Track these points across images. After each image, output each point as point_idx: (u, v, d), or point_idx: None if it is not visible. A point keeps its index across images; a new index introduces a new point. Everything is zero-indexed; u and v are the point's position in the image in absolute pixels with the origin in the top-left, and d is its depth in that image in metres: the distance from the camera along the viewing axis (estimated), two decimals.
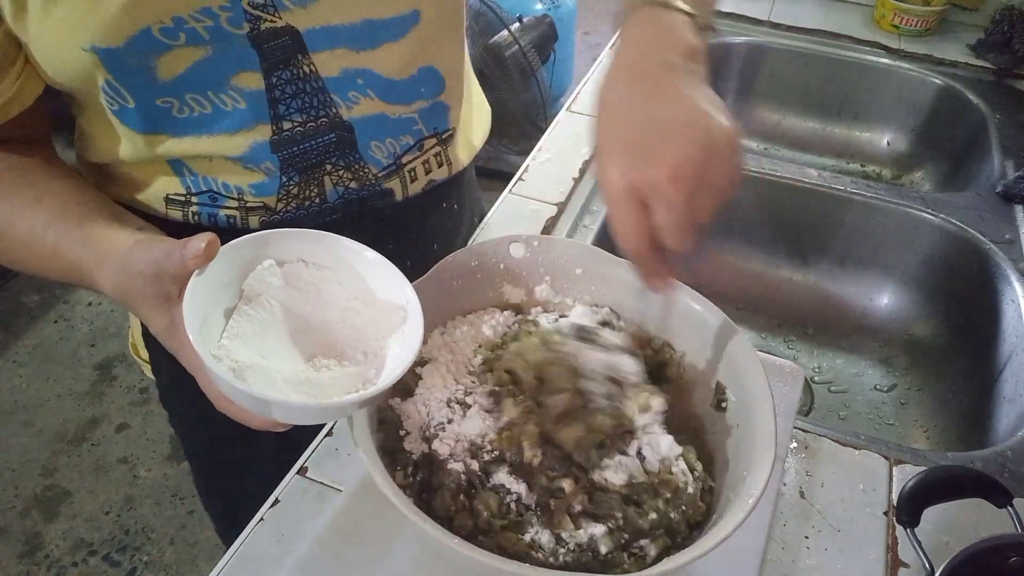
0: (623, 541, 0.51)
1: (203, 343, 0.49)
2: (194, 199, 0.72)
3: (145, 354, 0.91)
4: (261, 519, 0.64)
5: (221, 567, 0.61)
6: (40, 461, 1.93)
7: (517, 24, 2.29)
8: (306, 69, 0.67)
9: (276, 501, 0.66)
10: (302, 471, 0.68)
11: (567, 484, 0.52)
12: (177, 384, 0.89)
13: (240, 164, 0.69)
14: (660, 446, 0.56)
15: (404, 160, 0.77)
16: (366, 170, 0.75)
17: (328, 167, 0.73)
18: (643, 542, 0.51)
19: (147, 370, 0.94)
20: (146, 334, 0.89)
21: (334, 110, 0.70)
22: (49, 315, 2.31)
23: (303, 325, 0.55)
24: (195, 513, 1.83)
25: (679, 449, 0.56)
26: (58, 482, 1.89)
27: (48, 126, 0.71)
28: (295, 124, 0.69)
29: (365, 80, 0.70)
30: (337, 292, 0.57)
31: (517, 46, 2.18)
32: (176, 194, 0.71)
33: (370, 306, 0.57)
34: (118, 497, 1.86)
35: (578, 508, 0.52)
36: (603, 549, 0.50)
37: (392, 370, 0.53)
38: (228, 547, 0.64)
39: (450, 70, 0.76)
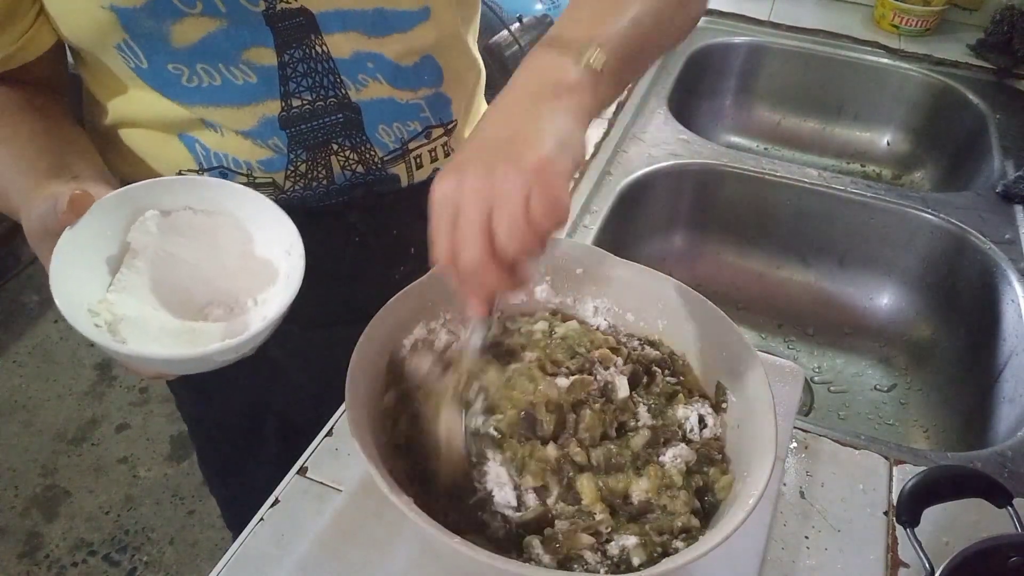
0: (655, 554, 0.50)
1: (70, 303, 0.49)
2: (205, 175, 0.72)
3: None
4: (261, 519, 0.64)
5: (221, 567, 0.61)
6: (40, 461, 1.93)
7: (517, 24, 2.28)
8: (319, 49, 0.68)
9: (276, 501, 0.66)
10: (302, 471, 0.68)
11: (599, 508, 0.52)
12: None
13: (249, 139, 0.70)
14: (710, 421, 0.58)
15: (411, 147, 0.78)
16: (372, 153, 0.76)
17: (335, 146, 0.74)
18: (677, 543, 0.51)
19: None
20: None
21: (343, 91, 0.72)
22: (49, 315, 2.31)
23: (192, 273, 0.55)
24: (195, 513, 1.83)
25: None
26: (58, 482, 1.89)
27: (64, 73, 0.72)
28: (304, 102, 0.70)
29: (375, 64, 0.71)
30: (232, 237, 0.57)
31: (517, 46, 2.18)
32: (188, 170, 0.72)
33: (258, 251, 0.58)
34: (118, 497, 1.86)
35: (607, 530, 0.52)
36: (635, 561, 0.50)
37: (258, 325, 0.53)
38: (231, 531, 0.64)
39: (449, 63, 0.77)
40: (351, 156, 0.75)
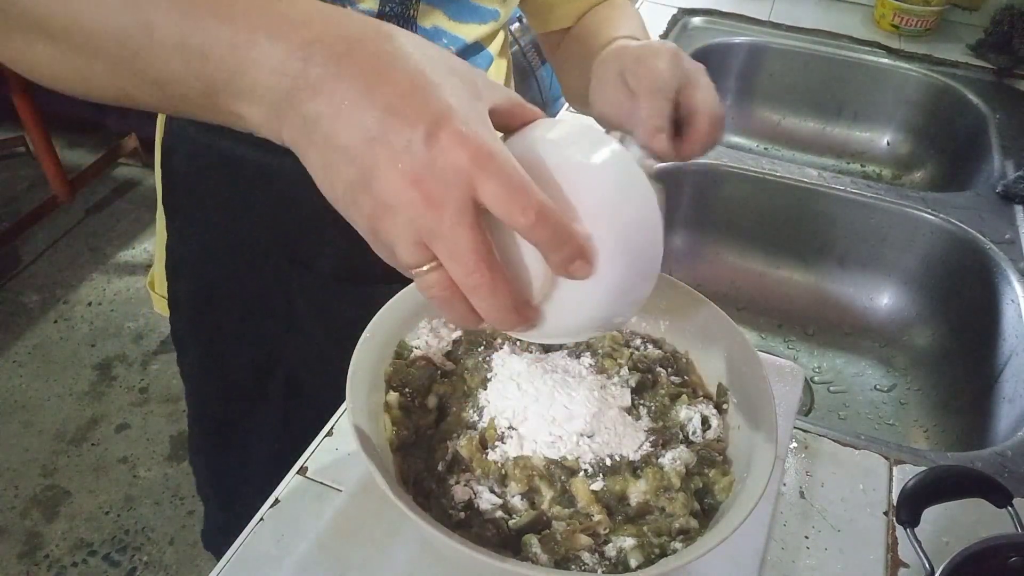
0: (653, 555, 0.50)
1: None
2: None
3: (162, 288, 0.92)
4: (261, 519, 0.64)
5: (221, 567, 0.61)
6: (40, 461, 1.93)
7: (517, 24, 2.28)
8: (411, 12, 0.72)
9: (276, 501, 0.66)
10: (302, 471, 0.68)
11: (595, 509, 0.52)
12: (195, 321, 0.91)
13: None
14: (714, 422, 0.58)
15: None
16: None
17: None
18: (675, 545, 0.51)
19: (161, 305, 0.94)
20: (171, 267, 0.89)
21: None
22: (49, 315, 2.31)
23: None
24: (195, 513, 1.83)
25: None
26: (58, 482, 1.89)
27: None
28: None
29: (448, 40, 0.76)
30: None
31: (517, 46, 2.18)
32: None
33: None
34: (118, 497, 1.86)
35: (605, 531, 0.51)
36: (632, 563, 0.50)
37: None
38: (222, 529, 0.63)
39: (495, 57, 0.84)
40: None
